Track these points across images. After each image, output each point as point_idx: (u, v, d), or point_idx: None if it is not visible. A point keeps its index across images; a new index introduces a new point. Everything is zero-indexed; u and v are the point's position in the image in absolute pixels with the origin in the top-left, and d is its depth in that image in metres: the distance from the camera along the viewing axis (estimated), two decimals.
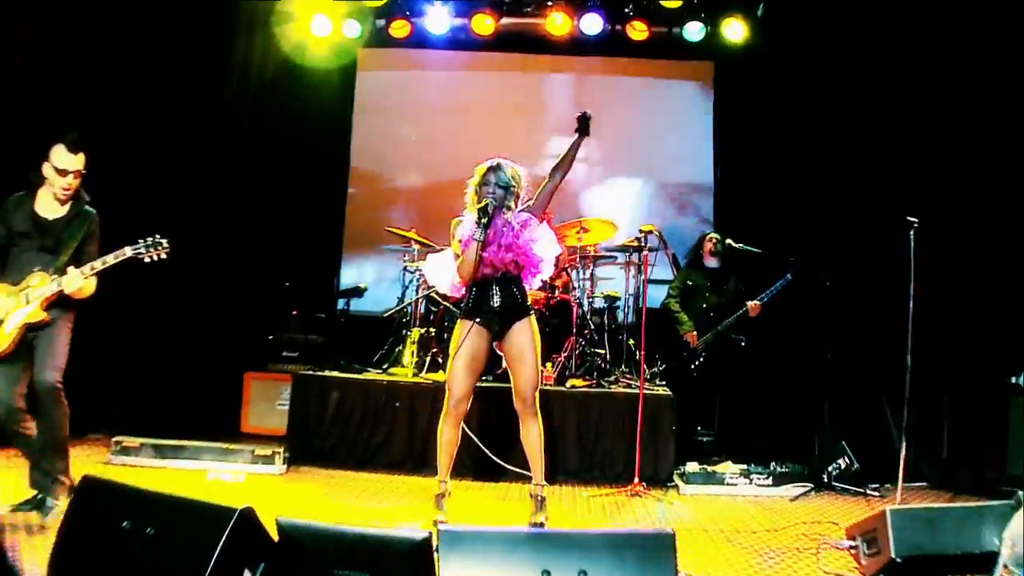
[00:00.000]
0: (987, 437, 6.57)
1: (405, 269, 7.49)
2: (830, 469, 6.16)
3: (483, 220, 4.45)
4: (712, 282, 7.06)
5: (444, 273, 4.90)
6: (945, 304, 6.58)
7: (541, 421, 4.66)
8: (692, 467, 6.07)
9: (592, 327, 6.95)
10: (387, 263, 8.48)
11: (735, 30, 7.92)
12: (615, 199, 8.75)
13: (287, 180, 8.34)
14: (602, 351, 6.87)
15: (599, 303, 7.39)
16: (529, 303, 4.73)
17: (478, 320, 4.62)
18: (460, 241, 4.60)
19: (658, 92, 8.93)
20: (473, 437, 5.80)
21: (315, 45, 8.35)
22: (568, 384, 6.39)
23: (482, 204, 4.50)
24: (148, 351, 7.39)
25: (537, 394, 4.65)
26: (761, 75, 8.07)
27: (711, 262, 7.14)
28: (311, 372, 6.69)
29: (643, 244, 6.00)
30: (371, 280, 8.30)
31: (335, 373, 6.72)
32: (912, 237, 5.17)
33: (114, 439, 6.08)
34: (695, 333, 6.92)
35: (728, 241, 6.86)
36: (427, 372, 6.63)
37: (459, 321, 4.72)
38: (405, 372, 6.68)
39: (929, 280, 5.40)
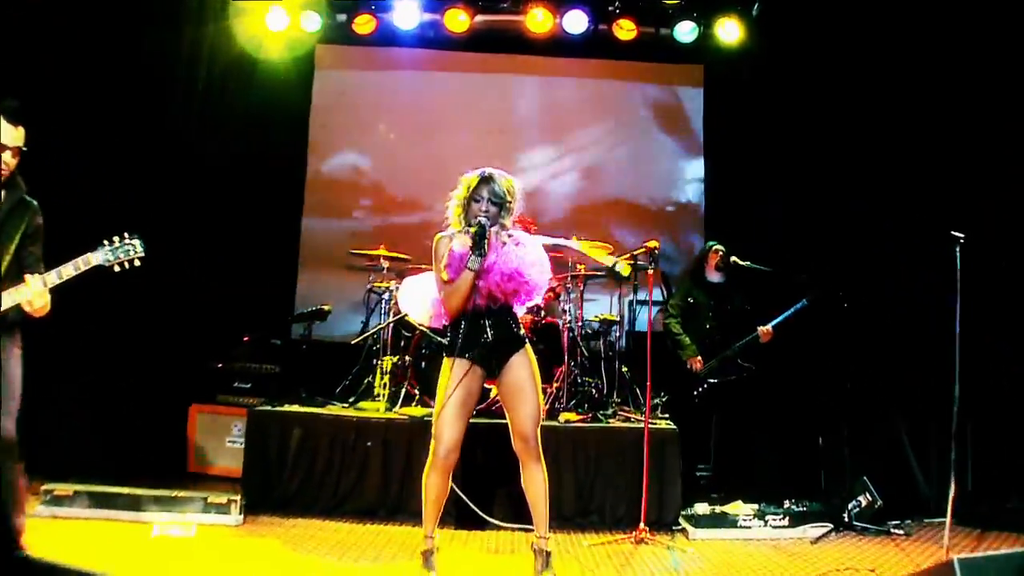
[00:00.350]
0: (1006, 466, 6.14)
1: (371, 290, 6.81)
2: (850, 507, 5.63)
3: (480, 246, 3.88)
4: (716, 300, 6.41)
5: (423, 301, 4.28)
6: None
7: (544, 464, 4.11)
8: (701, 509, 5.51)
9: (585, 353, 6.32)
10: (350, 283, 7.76)
11: (729, 31, 7.36)
12: (595, 211, 8.14)
13: (237, 189, 7.53)
14: (593, 380, 6.24)
15: (591, 327, 6.75)
16: (523, 332, 4.17)
17: (470, 356, 4.04)
18: (447, 265, 3.98)
19: (646, 96, 8.38)
20: (457, 490, 5.14)
21: (271, 40, 7.58)
22: (561, 418, 5.74)
23: (475, 227, 3.92)
24: (79, 381, 6.52)
25: (538, 437, 4.09)
26: (755, 79, 7.56)
27: (715, 277, 6.46)
28: (269, 407, 5.94)
29: (650, 260, 5.38)
30: (333, 302, 7.51)
31: (296, 407, 5.98)
32: (958, 253, 4.65)
33: (43, 487, 5.24)
34: (700, 358, 6.31)
35: (733, 259, 6.25)
36: (401, 407, 5.92)
37: (447, 359, 4.11)
38: (376, 407, 5.96)
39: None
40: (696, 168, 8.33)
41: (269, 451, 5.67)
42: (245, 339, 7.05)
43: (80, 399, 6.45)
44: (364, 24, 7.56)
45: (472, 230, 3.92)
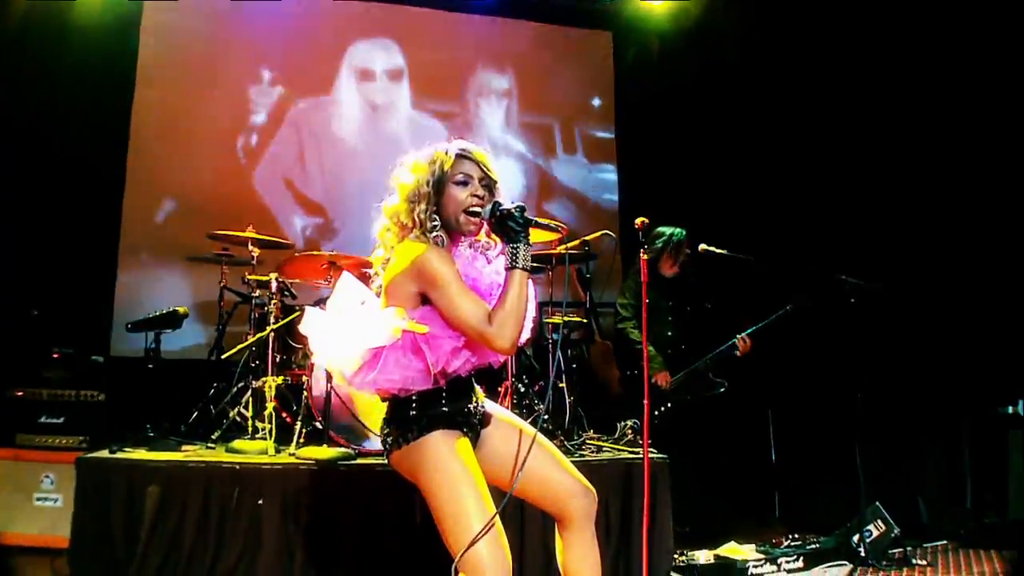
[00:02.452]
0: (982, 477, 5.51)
1: (226, 287, 5.30)
2: (863, 535, 4.76)
3: (522, 234, 2.58)
4: (675, 300, 5.40)
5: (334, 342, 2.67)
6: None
7: None
8: (703, 557, 4.44)
9: (536, 368, 5.08)
10: (195, 279, 6.13)
11: None
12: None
13: (34, 169, 5.75)
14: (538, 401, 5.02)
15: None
16: None
17: (460, 421, 2.68)
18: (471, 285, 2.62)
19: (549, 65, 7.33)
20: None
21: None
22: None
23: (509, 207, 2.58)
24: None
25: None
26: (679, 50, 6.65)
27: (670, 272, 5.47)
28: (107, 453, 4.28)
29: (642, 241, 4.18)
30: (171, 304, 5.82)
31: (144, 453, 4.36)
32: None
33: None
34: (666, 373, 5.24)
35: (702, 247, 5.15)
36: (297, 447, 4.44)
37: (426, 437, 2.59)
38: (260, 447, 4.44)
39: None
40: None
41: (111, 519, 4.04)
42: (54, 355, 5.26)
43: None
44: None
45: (500, 214, 2.57)
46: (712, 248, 5.01)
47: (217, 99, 6.75)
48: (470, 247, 2.74)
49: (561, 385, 5.32)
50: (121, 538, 4.04)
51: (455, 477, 2.52)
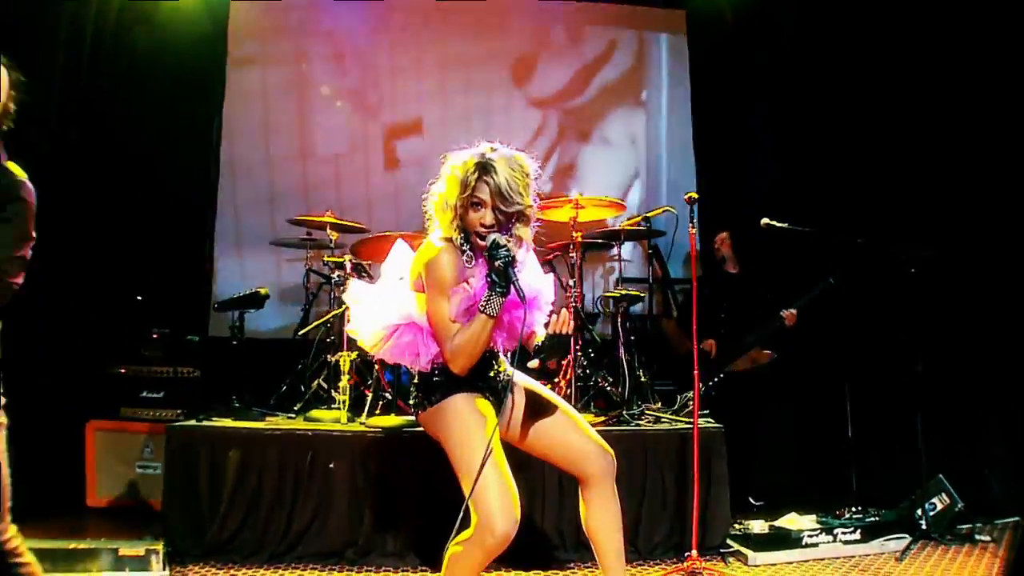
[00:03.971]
0: None
1: (311, 271, 5.64)
2: (926, 509, 4.76)
3: (504, 284, 2.72)
4: (731, 297, 5.75)
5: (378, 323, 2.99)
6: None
7: None
8: (757, 526, 4.54)
9: (597, 341, 5.27)
10: (283, 263, 6.54)
11: None
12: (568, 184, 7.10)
13: (136, 161, 6.25)
14: (603, 372, 5.21)
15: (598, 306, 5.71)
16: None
17: (481, 387, 2.96)
18: (464, 310, 2.82)
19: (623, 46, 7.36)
20: None
21: None
22: None
23: (496, 255, 2.71)
24: None
25: None
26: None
27: (729, 268, 5.80)
28: (194, 422, 4.70)
29: (691, 216, 4.32)
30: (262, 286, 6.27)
31: (229, 421, 4.76)
32: None
33: None
34: (713, 340, 5.46)
35: (765, 221, 5.23)
36: (368, 416, 4.76)
37: (449, 399, 2.89)
38: (335, 416, 4.78)
39: None
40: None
41: (197, 481, 4.44)
42: (154, 335, 5.75)
43: None
44: None
45: (492, 259, 2.73)
46: (773, 222, 5.09)
47: (303, 89, 7.11)
48: None
49: (625, 358, 5.54)
50: (206, 499, 4.44)
51: (470, 432, 2.79)
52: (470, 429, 2.80)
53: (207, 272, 6.69)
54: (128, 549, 4.02)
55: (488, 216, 2.79)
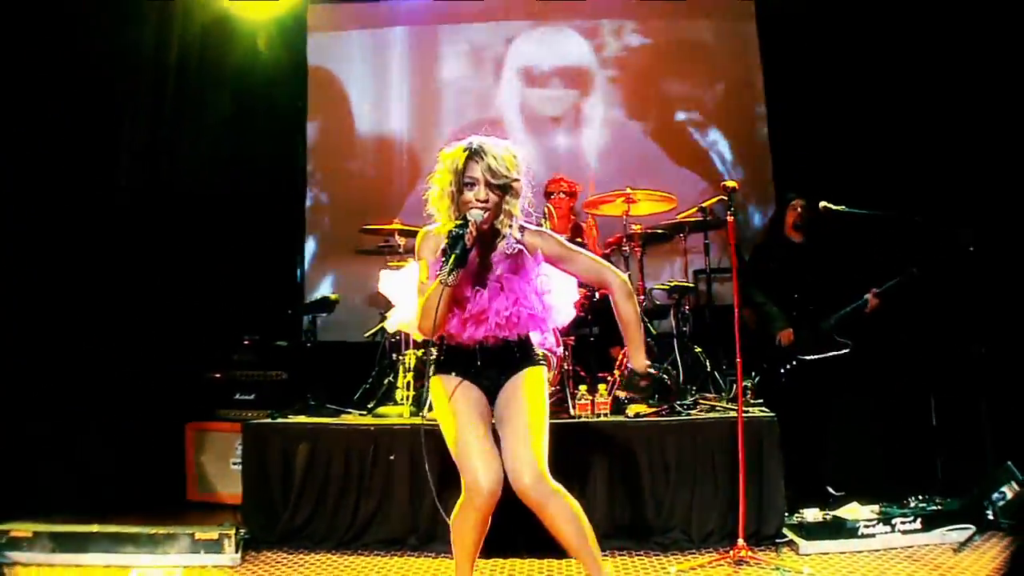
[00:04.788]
0: None
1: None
2: (994, 498, 4.61)
3: (457, 254, 2.89)
4: (797, 266, 5.47)
5: (403, 303, 3.39)
6: None
7: (565, 494, 3.07)
8: (811, 515, 4.53)
9: (652, 332, 5.36)
10: (366, 271, 6.89)
11: None
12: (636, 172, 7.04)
13: (228, 174, 6.75)
14: (663, 364, 5.28)
15: (655, 298, 5.77)
16: (535, 350, 3.25)
17: (458, 373, 3.22)
18: (431, 271, 3.09)
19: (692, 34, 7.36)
20: None
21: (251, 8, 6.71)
22: (630, 412, 4.79)
23: (452, 229, 2.93)
24: (49, 395, 5.71)
25: (545, 468, 3.03)
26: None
27: (795, 237, 5.56)
28: (269, 419, 5.07)
29: (728, 206, 4.38)
30: (342, 292, 6.63)
31: (302, 418, 5.11)
32: None
33: None
34: (790, 331, 5.34)
35: (823, 204, 5.21)
36: (429, 410, 4.99)
37: (434, 378, 3.25)
38: (399, 411, 5.07)
39: None
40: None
41: (270, 473, 4.82)
42: (246, 342, 6.19)
43: (55, 416, 5.66)
44: None
45: (450, 228, 2.95)
46: (830, 205, 5.06)
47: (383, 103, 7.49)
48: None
49: (698, 350, 5.60)
50: (278, 490, 4.80)
51: (444, 407, 3.15)
52: (444, 405, 3.14)
53: (297, 280, 7.12)
54: (203, 533, 4.43)
55: (481, 191, 3.01)
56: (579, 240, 5.66)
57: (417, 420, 4.89)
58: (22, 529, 4.47)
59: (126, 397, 5.86)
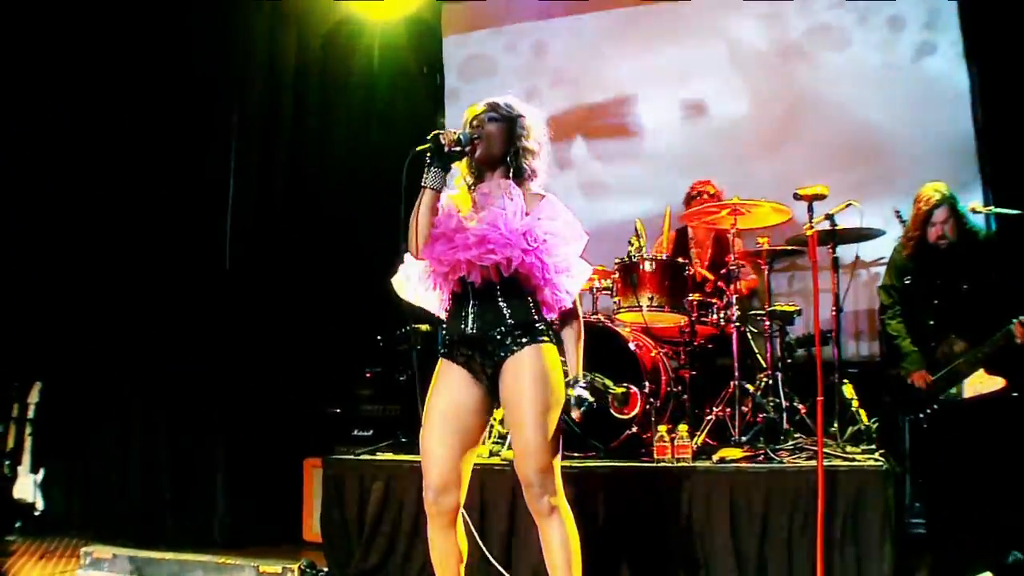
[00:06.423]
0: None
1: None
2: None
3: (441, 154, 2.93)
4: (943, 278, 4.59)
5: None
6: None
7: (567, 519, 2.94)
8: None
9: (762, 365, 4.79)
10: None
11: None
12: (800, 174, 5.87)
13: (351, 197, 6.88)
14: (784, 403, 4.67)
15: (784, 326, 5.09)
16: (539, 323, 2.96)
17: (451, 356, 3.02)
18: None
19: None
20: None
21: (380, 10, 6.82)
22: (715, 457, 4.26)
23: (433, 134, 2.94)
24: (172, 425, 6.14)
25: (551, 476, 2.91)
26: None
27: (940, 243, 4.58)
28: (350, 455, 5.02)
29: (810, 212, 3.78)
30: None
31: (386, 455, 5.00)
32: None
33: (84, 549, 4.89)
34: (925, 372, 4.55)
35: (972, 205, 4.38)
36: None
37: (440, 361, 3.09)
38: (481, 451, 4.81)
39: None
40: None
41: (346, 511, 4.78)
42: (367, 375, 6.19)
43: (178, 455, 5.97)
44: None
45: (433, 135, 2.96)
46: (978, 207, 4.27)
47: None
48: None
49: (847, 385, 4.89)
50: (354, 529, 4.73)
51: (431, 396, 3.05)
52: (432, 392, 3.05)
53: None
54: (267, 567, 4.48)
55: (475, 129, 3.03)
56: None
57: (492, 460, 4.62)
58: (103, 551, 4.81)
59: (246, 428, 6.04)
